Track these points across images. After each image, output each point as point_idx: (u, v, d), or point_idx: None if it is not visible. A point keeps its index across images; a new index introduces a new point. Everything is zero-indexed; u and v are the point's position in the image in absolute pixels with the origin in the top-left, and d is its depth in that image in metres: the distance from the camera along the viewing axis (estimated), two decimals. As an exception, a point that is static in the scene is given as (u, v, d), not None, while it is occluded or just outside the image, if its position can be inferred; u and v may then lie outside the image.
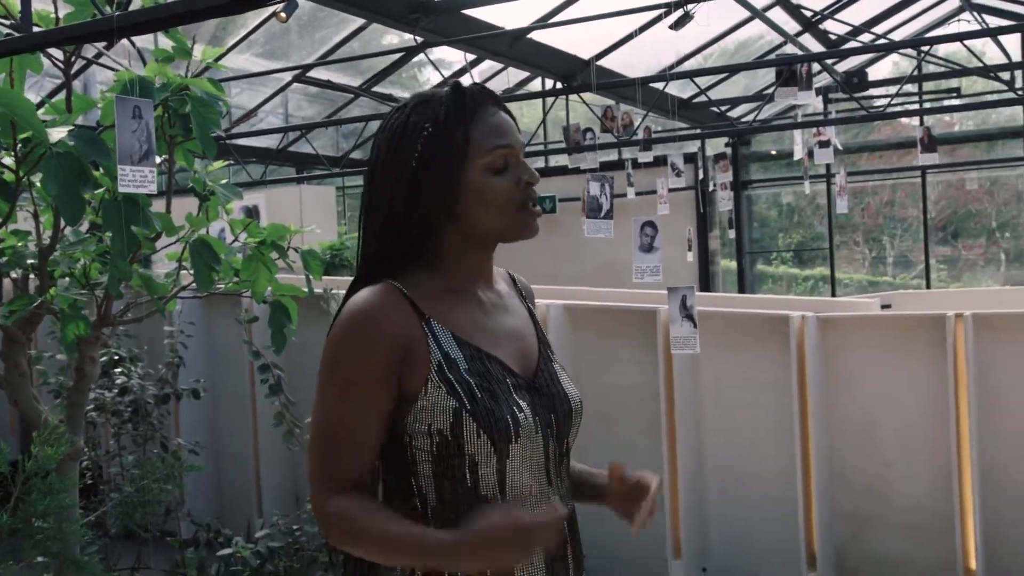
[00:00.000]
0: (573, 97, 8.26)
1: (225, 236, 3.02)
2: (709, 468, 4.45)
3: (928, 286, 10.31)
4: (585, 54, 7.94)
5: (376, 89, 8.97)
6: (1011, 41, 8.69)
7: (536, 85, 8.88)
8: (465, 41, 6.85)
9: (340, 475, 1.38)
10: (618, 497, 1.56)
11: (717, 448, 4.42)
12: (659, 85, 7.83)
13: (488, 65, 8.44)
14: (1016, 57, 8.81)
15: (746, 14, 7.41)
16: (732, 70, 9.24)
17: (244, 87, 8.78)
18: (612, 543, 4.37)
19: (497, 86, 8.46)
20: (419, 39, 6.67)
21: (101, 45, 2.89)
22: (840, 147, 8.25)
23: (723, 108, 10.05)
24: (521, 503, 1.41)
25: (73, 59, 2.77)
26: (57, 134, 2.29)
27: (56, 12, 2.67)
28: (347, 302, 1.44)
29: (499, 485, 1.41)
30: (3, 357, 2.82)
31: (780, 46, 9.11)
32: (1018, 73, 8.58)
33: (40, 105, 2.54)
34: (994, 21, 8.07)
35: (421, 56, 7.97)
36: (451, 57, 8.88)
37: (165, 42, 2.74)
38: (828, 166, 9.59)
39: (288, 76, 8.48)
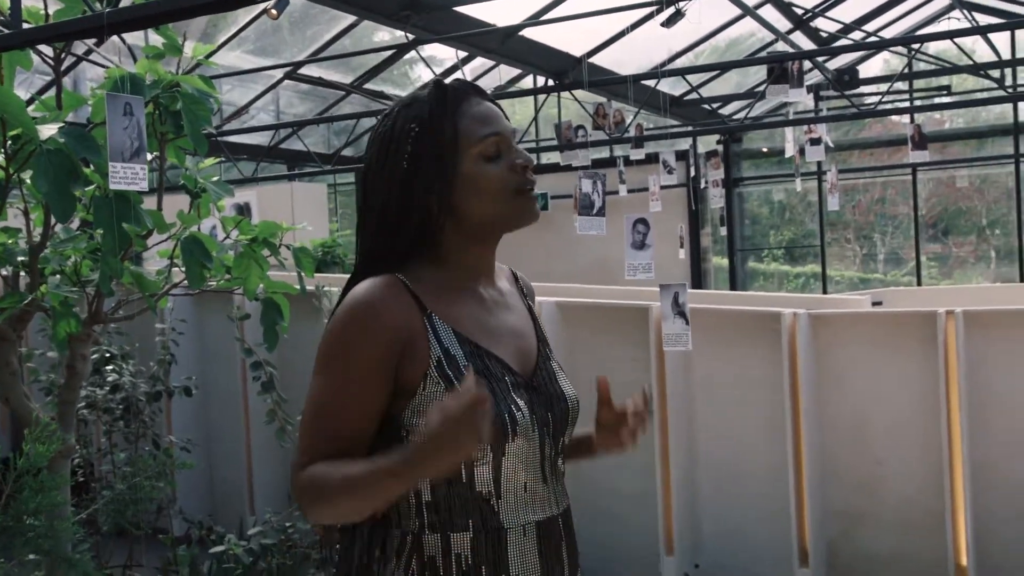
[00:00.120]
0: (565, 94, 8.26)
1: (217, 233, 3.01)
2: (701, 465, 4.46)
3: (919, 283, 10.35)
4: (577, 51, 7.94)
5: (367, 86, 8.96)
6: (1001, 39, 8.72)
7: (528, 82, 8.88)
8: (457, 38, 6.84)
9: (319, 454, 1.37)
10: (606, 430, 1.56)
11: (709, 445, 4.43)
12: (651, 82, 7.84)
13: (480, 62, 8.44)
14: (1006, 55, 8.84)
15: (737, 11, 7.42)
16: (724, 67, 9.26)
17: (235, 84, 8.76)
18: (605, 540, 4.38)
19: (489, 83, 8.46)
20: (411, 36, 6.67)
21: (91, 42, 2.88)
22: (831, 144, 8.27)
23: (714, 105, 10.07)
24: (516, 500, 1.42)
25: (63, 56, 2.75)
26: (47, 131, 2.27)
27: (46, 8, 2.65)
28: (349, 292, 1.44)
29: (495, 482, 1.41)
30: (-7, 355, 2.80)
31: (771, 44, 9.12)
32: (1008, 71, 8.61)
33: (30, 102, 2.53)
34: (984, 19, 8.09)
35: (412, 53, 7.97)
36: (443, 54, 8.87)
37: (155, 39, 2.73)
38: (819, 163, 9.61)
39: (279, 73, 8.46)
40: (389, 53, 8.40)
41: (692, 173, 10.29)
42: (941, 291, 8.17)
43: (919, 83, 10.15)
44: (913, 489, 4.10)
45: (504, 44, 7.20)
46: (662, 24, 6.51)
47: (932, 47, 8.93)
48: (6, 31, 2.53)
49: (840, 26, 8.54)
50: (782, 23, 7.92)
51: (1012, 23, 7.87)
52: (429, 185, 1.43)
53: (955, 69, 8.73)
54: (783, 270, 12.06)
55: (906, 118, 8.44)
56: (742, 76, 10.17)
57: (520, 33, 7.26)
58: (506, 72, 8.74)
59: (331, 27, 7.83)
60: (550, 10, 7.22)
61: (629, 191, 8.73)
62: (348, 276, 1.52)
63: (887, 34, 9.22)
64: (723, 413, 4.40)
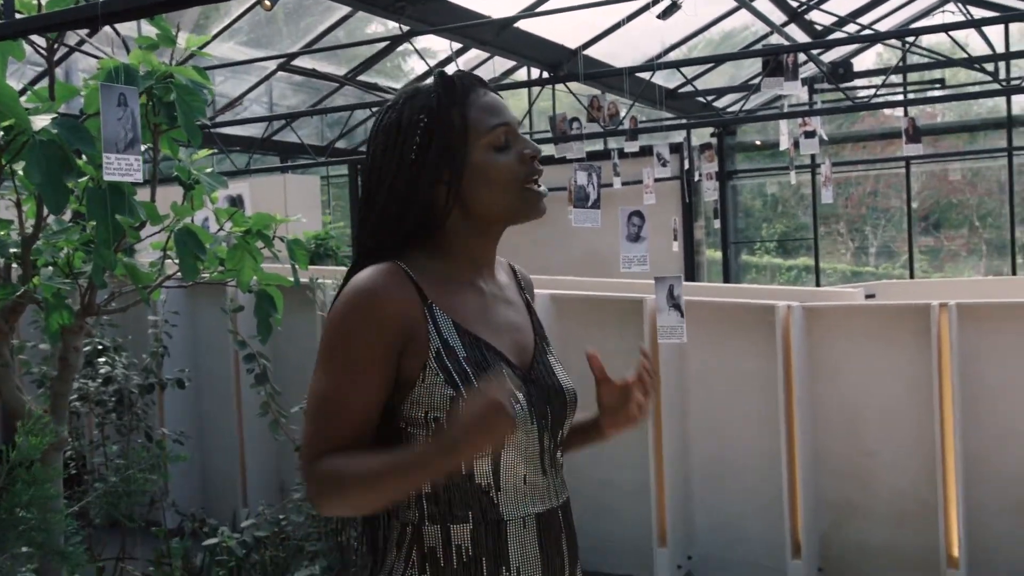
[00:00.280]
0: (559, 87, 8.24)
1: (209, 225, 3.00)
2: (695, 457, 4.47)
3: (912, 276, 10.37)
4: (571, 43, 7.92)
5: (361, 78, 8.93)
6: (995, 32, 8.73)
7: (522, 74, 8.86)
8: (451, 30, 6.82)
9: (332, 445, 1.36)
10: (612, 409, 1.54)
11: (703, 437, 4.44)
12: (645, 75, 7.83)
13: (474, 54, 8.42)
14: (1000, 48, 8.85)
15: (732, 4, 7.41)
16: (719, 60, 9.25)
17: (228, 75, 8.73)
18: (599, 533, 4.39)
19: (483, 75, 8.42)
20: (405, 28, 6.64)
21: (83, 32, 2.86)
22: (826, 137, 8.27)
23: (709, 98, 10.07)
24: (516, 492, 1.42)
25: (56, 46, 2.74)
26: (40, 122, 2.26)
27: (39, -2, 2.64)
28: (351, 280, 1.43)
29: (494, 475, 1.40)
30: (-14, 347, 2.79)
31: (765, 36, 9.12)
32: (1002, 64, 8.62)
33: (22, 92, 2.51)
34: (979, 12, 8.10)
35: (406, 45, 7.94)
36: (436, 46, 8.85)
37: (148, 30, 2.71)
38: (813, 156, 9.61)
39: (273, 65, 8.43)
40: (383, 45, 8.38)
41: (686, 166, 10.29)
42: (934, 284, 8.20)
43: (912, 76, 10.16)
44: (906, 481, 4.12)
45: (499, 36, 7.19)
46: (658, 16, 6.50)
47: (926, 40, 8.94)
48: (-2, 21, 2.51)
49: (835, 19, 8.54)
50: (777, 16, 7.91)
51: (1006, 16, 7.88)
52: (438, 176, 1.43)
53: (949, 62, 8.74)
54: (775, 263, 12.07)
55: (899, 111, 8.45)
56: (736, 69, 10.16)
57: (515, 25, 7.25)
58: (500, 64, 8.73)
59: (324, 18, 7.80)
60: (545, 2, 7.20)
61: (623, 184, 8.72)
62: (344, 268, 1.51)
63: (881, 27, 9.22)
64: (716, 405, 4.41)
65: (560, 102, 8.92)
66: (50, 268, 2.79)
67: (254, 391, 4.06)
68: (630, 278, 4.90)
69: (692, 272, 10.60)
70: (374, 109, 8.72)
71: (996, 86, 8.14)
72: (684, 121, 9.95)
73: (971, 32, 8.24)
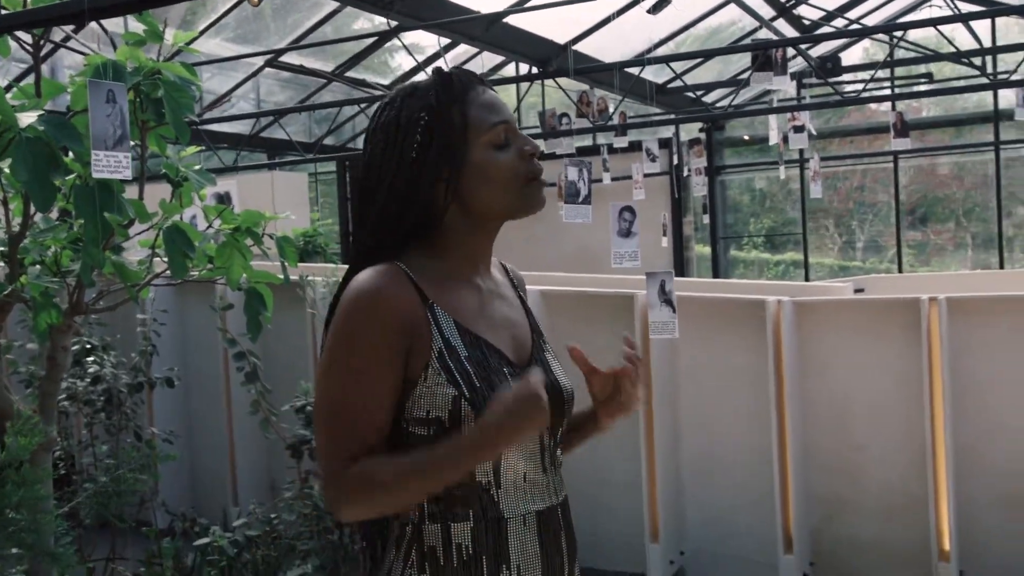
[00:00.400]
0: (548, 82, 8.23)
1: (197, 223, 2.98)
2: (686, 452, 4.47)
3: (900, 270, 10.41)
4: (560, 39, 7.91)
5: (349, 74, 8.90)
6: (982, 26, 8.75)
7: (511, 70, 8.85)
8: (439, 25, 6.79)
9: (357, 447, 1.35)
10: (606, 399, 1.55)
11: (694, 432, 4.44)
12: (635, 70, 7.82)
13: (463, 49, 8.39)
14: (987, 42, 8.88)
15: (721, -1, 7.42)
16: (709, 55, 9.25)
17: (215, 72, 8.68)
18: (592, 528, 4.39)
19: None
20: (392, 23, 6.61)
21: (70, 28, 2.83)
22: (814, 132, 8.28)
23: (698, 93, 10.07)
24: (516, 490, 1.42)
25: (42, 42, 2.71)
26: (26, 119, 2.24)
27: (24, -7, 2.61)
28: (351, 281, 1.42)
29: (494, 472, 1.40)
30: (-27, 346, 2.77)
31: (753, 31, 9.12)
32: (989, 58, 8.65)
33: (8, 89, 2.49)
34: (966, 7, 8.12)
35: (394, 41, 7.91)
36: (425, 42, 8.82)
37: (135, 26, 2.69)
38: (801, 151, 9.63)
39: (260, 61, 8.39)
40: (371, 40, 8.34)
41: (675, 161, 10.30)
42: (922, 278, 8.22)
43: (900, 71, 10.18)
44: (896, 475, 4.13)
45: (487, 31, 7.16)
46: (648, 11, 6.49)
47: (913, 35, 8.95)
48: (-17, 17, 2.48)
49: (823, 13, 8.55)
50: (765, 10, 7.92)
51: (993, 11, 7.89)
52: (438, 174, 1.42)
53: (937, 57, 8.77)
54: (763, 258, 12.10)
55: (886, 106, 8.47)
56: (725, 64, 10.16)
57: (503, 20, 7.23)
58: (489, 59, 8.70)
59: (312, 14, 7.77)
60: (534, -3, 7.18)
61: (613, 179, 8.72)
62: (333, 264, 1.50)
63: (869, 22, 9.23)
64: (707, 401, 4.41)
65: (549, 98, 8.91)
66: (38, 267, 2.77)
67: (244, 389, 4.05)
68: (621, 273, 4.90)
69: (681, 267, 10.62)
70: (362, 105, 8.70)
71: (983, 80, 8.16)
72: (673, 116, 9.95)
73: (958, 26, 8.27)
